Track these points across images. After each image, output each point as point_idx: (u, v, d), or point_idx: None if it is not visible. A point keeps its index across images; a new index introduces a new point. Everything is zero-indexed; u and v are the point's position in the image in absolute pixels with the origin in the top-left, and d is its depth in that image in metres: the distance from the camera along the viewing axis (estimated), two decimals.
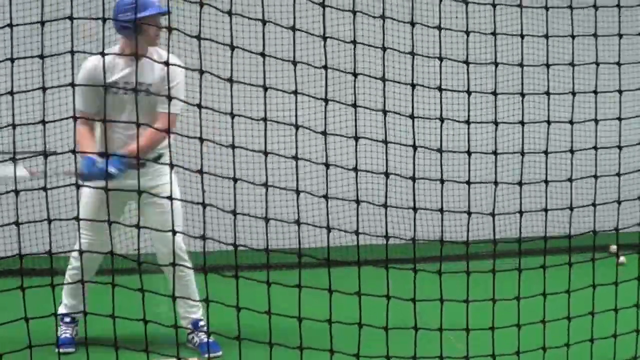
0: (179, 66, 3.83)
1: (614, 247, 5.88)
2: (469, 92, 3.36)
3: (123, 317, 3.07)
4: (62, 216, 5.77)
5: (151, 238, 4.29)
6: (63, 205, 5.92)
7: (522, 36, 3.46)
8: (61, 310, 4.23)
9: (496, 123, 3.43)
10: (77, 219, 3.11)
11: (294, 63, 3.06)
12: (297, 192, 3.11)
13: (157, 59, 3.91)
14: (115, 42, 4.25)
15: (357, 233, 3.15)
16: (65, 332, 4.28)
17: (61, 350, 3.80)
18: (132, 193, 3.42)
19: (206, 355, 4.13)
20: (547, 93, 3.54)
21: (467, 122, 3.38)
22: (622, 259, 5.74)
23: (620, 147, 3.71)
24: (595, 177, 3.63)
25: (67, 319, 4.31)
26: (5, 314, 2.94)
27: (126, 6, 4.00)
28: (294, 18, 3.07)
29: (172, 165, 3.23)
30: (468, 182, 3.35)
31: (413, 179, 3.22)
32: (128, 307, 3.18)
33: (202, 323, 4.32)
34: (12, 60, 2.93)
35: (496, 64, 3.39)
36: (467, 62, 3.36)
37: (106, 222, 3.05)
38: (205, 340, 4.24)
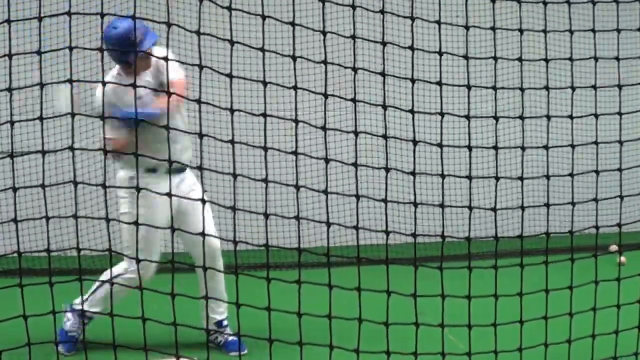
0: (176, 60, 3.90)
1: (613, 247, 5.87)
2: (468, 87, 3.35)
3: (123, 316, 3.05)
4: (61, 213, 5.76)
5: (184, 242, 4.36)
6: (63, 207, 5.90)
7: (521, 31, 3.45)
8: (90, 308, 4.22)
9: (496, 118, 3.42)
10: (75, 216, 3.08)
11: (294, 58, 3.05)
12: (297, 187, 3.10)
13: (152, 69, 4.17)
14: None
15: (356, 228, 3.14)
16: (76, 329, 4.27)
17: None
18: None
19: (231, 354, 4.30)
20: (547, 88, 3.53)
21: (467, 117, 3.37)
22: (622, 258, 5.72)
23: (621, 142, 3.70)
24: (597, 172, 3.61)
25: (86, 320, 4.29)
26: (4, 312, 2.93)
27: (129, 39, 4.05)
28: (294, 13, 3.06)
29: (170, 162, 3.22)
30: (469, 177, 3.34)
31: (413, 174, 3.21)
32: (127, 307, 3.17)
33: (225, 323, 4.44)
34: (10, 56, 2.92)
35: (495, 59, 3.38)
36: (466, 57, 3.35)
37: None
38: (230, 339, 4.38)
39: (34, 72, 5.34)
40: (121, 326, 3.16)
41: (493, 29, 3.36)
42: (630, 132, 4.13)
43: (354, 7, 3.16)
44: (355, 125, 3.18)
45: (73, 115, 3.13)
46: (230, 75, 3.01)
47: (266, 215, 3.04)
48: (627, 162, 3.87)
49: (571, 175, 3.55)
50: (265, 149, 3.05)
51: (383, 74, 3.17)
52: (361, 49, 5.33)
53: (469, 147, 3.36)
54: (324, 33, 3.10)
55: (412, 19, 3.21)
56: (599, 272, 3.52)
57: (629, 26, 3.78)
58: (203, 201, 3.14)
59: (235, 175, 3.03)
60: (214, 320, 4.42)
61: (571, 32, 3.56)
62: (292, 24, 3.05)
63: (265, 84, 3.04)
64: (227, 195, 5.29)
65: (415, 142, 3.22)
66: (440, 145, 3.28)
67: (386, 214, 3.21)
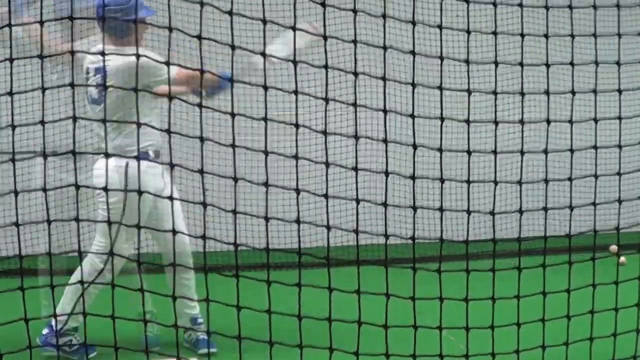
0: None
1: (613, 247, 5.89)
2: (469, 92, 3.36)
3: (123, 318, 3.07)
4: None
5: (153, 239, 4.31)
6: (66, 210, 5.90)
7: (522, 35, 3.46)
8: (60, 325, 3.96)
9: (496, 122, 3.43)
10: (76, 219, 3.09)
11: (295, 62, 3.06)
12: (297, 191, 3.11)
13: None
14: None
15: (356, 232, 3.15)
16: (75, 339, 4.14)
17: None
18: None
19: (201, 352, 4.19)
20: (547, 92, 3.55)
21: (467, 122, 3.38)
22: (622, 259, 5.73)
23: (620, 147, 3.71)
24: (596, 176, 3.63)
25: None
26: (5, 312, 2.94)
27: (120, 5, 3.98)
28: (295, 17, 3.07)
29: (172, 165, 3.24)
30: (468, 181, 3.36)
31: (413, 178, 3.23)
32: (128, 307, 3.18)
33: (200, 320, 4.34)
34: (11, 60, 2.93)
35: (496, 64, 3.39)
36: (467, 62, 3.36)
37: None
38: (202, 337, 4.27)
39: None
40: (121, 326, 3.18)
41: (494, 33, 3.37)
42: (630, 137, 4.14)
43: (355, 11, 3.17)
44: (356, 130, 3.19)
45: (75, 119, 3.14)
46: (231, 80, 3.03)
47: (267, 219, 3.05)
48: (626, 167, 3.87)
49: (570, 179, 3.56)
50: (266, 152, 3.06)
51: (384, 78, 3.18)
52: (362, 54, 5.33)
53: (469, 152, 3.37)
54: (325, 37, 3.11)
55: (414, 23, 3.23)
56: (598, 273, 3.52)
57: (630, 31, 3.79)
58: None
59: (236, 179, 3.04)
60: (189, 317, 4.30)
61: (572, 36, 3.57)
62: (293, 28, 3.06)
63: (265, 88, 3.05)
64: (229, 199, 5.28)
65: (415, 147, 3.23)
66: (440, 150, 3.29)
67: (385, 218, 3.23)
